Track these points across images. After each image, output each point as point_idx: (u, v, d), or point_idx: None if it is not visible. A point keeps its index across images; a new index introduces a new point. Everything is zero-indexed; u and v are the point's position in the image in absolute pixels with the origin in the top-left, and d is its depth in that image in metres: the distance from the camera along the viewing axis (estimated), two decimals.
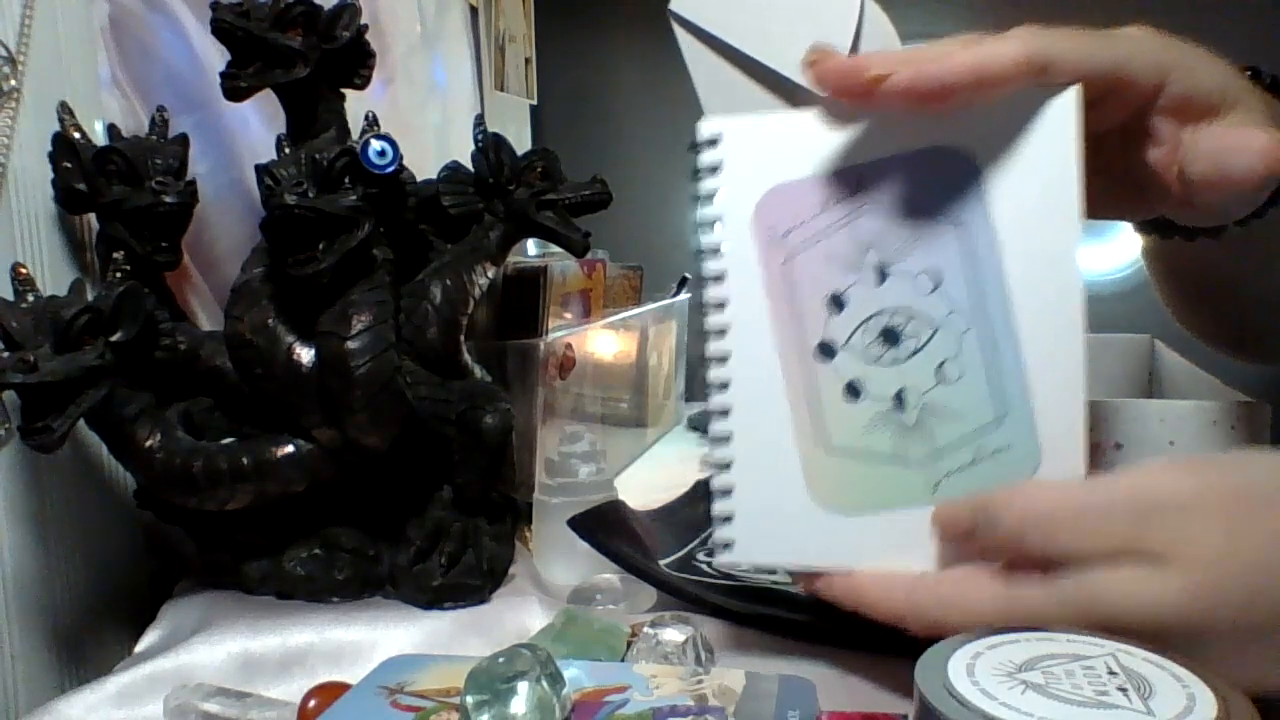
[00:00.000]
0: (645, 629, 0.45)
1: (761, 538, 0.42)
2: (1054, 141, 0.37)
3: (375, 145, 0.53)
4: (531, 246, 1.03)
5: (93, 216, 0.57)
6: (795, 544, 0.41)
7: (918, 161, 0.39)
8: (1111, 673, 0.29)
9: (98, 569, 0.58)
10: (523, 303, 0.76)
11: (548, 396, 0.76)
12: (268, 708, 0.44)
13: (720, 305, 0.43)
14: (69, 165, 0.55)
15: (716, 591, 0.56)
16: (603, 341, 0.93)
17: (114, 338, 0.49)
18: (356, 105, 0.60)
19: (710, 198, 0.43)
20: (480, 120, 0.62)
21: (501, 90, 1.24)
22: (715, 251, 0.43)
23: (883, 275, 0.40)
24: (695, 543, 0.66)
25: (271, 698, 0.46)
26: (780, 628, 0.51)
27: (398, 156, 0.54)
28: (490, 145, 0.60)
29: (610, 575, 0.57)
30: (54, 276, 0.56)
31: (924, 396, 0.40)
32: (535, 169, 0.60)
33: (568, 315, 0.86)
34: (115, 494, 0.60)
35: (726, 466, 0.43)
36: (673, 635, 0.44)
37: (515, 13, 1.30)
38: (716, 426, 0.43)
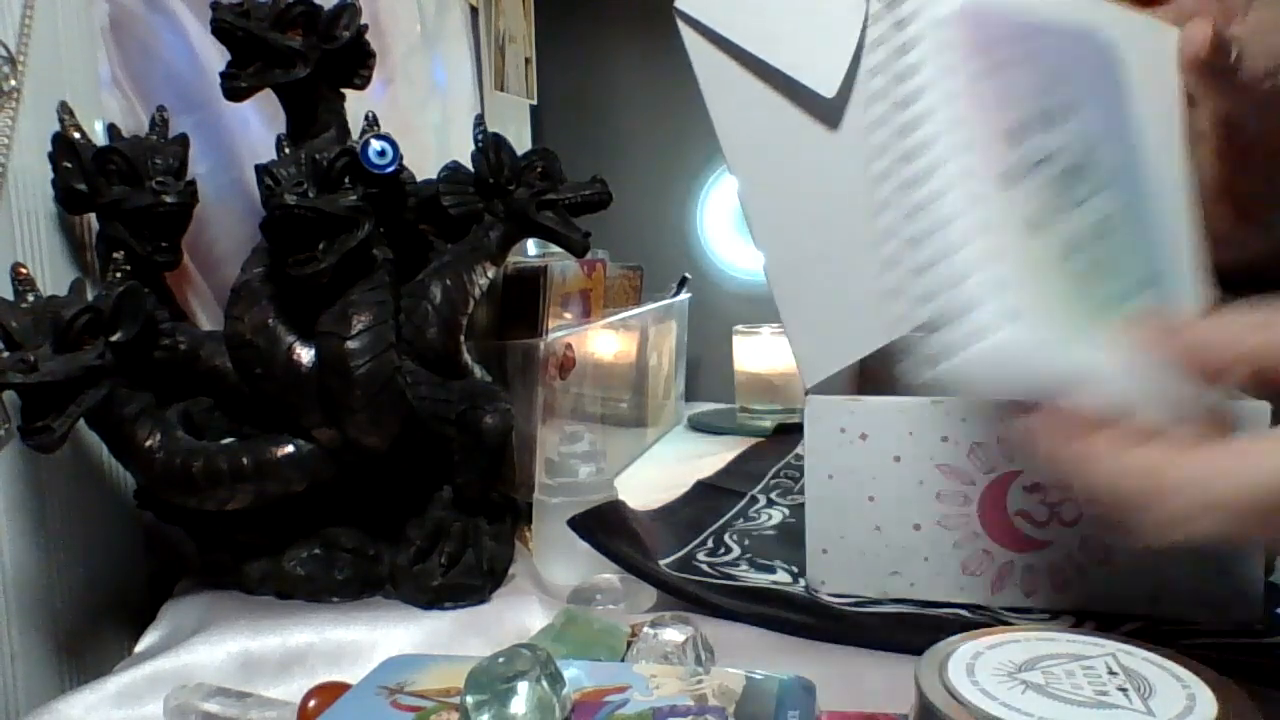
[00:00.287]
0: (645, 629, 0.45)
1: (974, 367, 0.38)
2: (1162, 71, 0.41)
3: (375, 145, 0.53)
4: (531, 246, 1.03)
5: (93, 216, 0.57)
6: (1020, 372, 0.38)
7: (1086, 37, 0.42)
8: (1111, 673, 0.29)
9: (98, 569, 0.58)
10: (523, 303, 0.76)
11: (548, 396, 0.76)
12: (268, 708, 0.44)
13: (915, 125, 0.41)
14: (69, 165, 0.55)
15: (716, 591, 0.56)
16: (603, 341, 0.93)
17: (114, 338, 0.49)
18: (356, 105, 0.60)
19: (908, 16, 0.42)
20: (480, 120, 0.62)
21: (501, 90, 1.24)
22: (912, 70, 0.41)
23: (1067, 113, 0.41)
24: (695, 543, 0.66)
25: (271, 698, 0.46)
26: (780, 628, 0.51)
27: (398, 156, 0.54)
28: (490, 145, 0.60)
29: (610, 575, 0.57)
30: (54, 276, 0.56)
31: (1086, 248, 0.40)
32: (535, 169, 0.60)
33: (568, 315, 0.86)
34: (115, 494, 0.60)
35: (934, 295, 0.40)
36: (673, 635, 0.44)
37: (515, 13, 1.30)
38: (923, 253, 0.40)
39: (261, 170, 0.51)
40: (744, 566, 0.61)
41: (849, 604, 0.54)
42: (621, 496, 0.66)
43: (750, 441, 1.01)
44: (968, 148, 0.40)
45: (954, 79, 0.41)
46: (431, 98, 1.02)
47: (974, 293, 0.39)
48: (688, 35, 0.52)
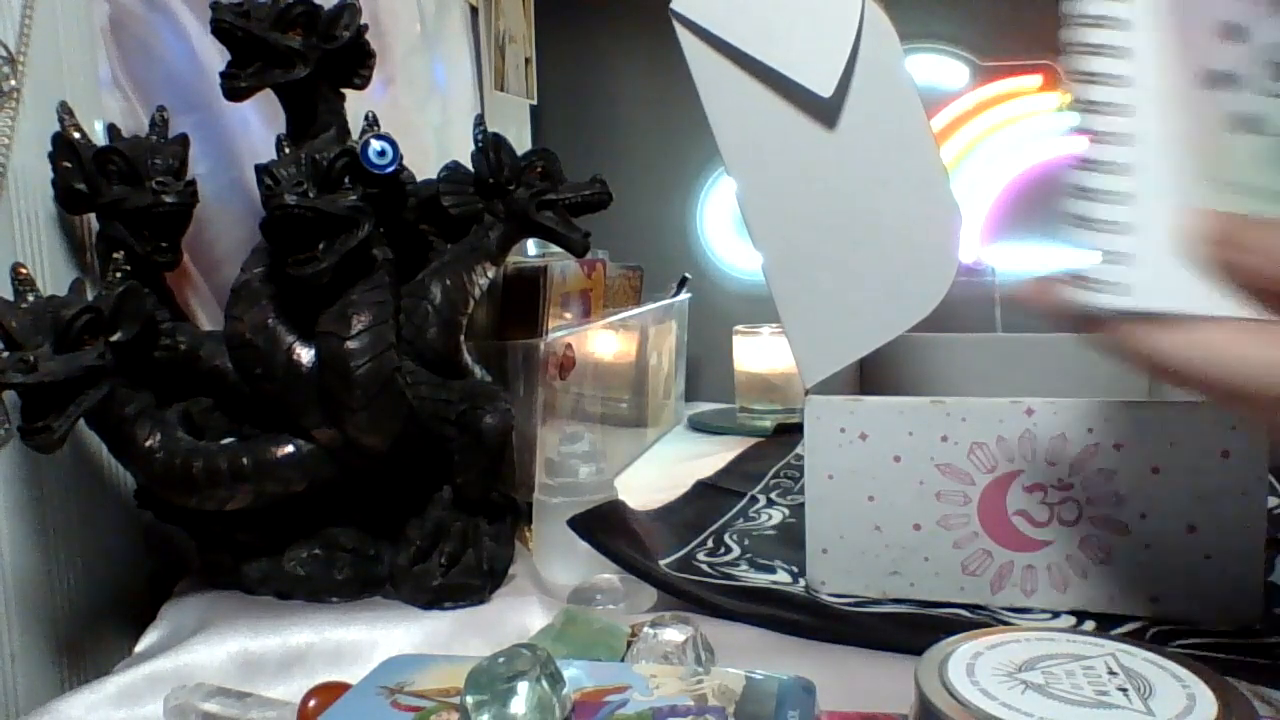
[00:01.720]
0: (645, 629, 0.45)
1: (1159, 281, 0.37)
2: None
3: (375, 145, 0.53)
4: (531, 246, 1.03)
5: (93, 216, 0.57)
6: (1186, 289, 0.36)
7: None
8: (1111, 673, 0.29)
9: (98, 569, 0.58)
10: (523, 303, 0.76)
11: (548, 396, 0.76)
12: (268, 708, 0.44)
13: (1106, 48, 0.38)
14: (69, 165, 0.55)
15: (716, 591, 0.56)
16: (603, 341, 0.93)
17: (114, 338, 0.49)
18: (356, 105, 0.60)
19: None
20: (480, 120, 0.62)
21: (501, 90, 1.24)
22: None
23: None
24: (695, 543, 0.66)
25: (271, 698, 0.46)
26: (780, 628, 0.51)
27: (398, 156, 0.54)
28: (490, 145, 0.61)
29: (610, 575, 0.57)
30: (54, 276, 0.56)
31: None
32: (535, 169, 0.60)
33: (568, 315, 0.86)
34: (115, 494, 0.60)
35: (1120, 197, 0.38)
36: (673, 635, 0.44)
37: (515, 13, 1.30)
38: (1105, 151, 0.38)
39: (261, 170, 0.51)
40: (744, 566, 0.61)
41: (849, 604, 0.54)
42: (621, 496, 0.66)
43: (750, 441, 1.01)
44: (1160, 52, 0.37)
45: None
46: (431, 98, 1.02)
47: (1133, 214, 0.37)
48: (683, 36, 0.52)
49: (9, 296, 0.47)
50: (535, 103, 1.37)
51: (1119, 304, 0.38)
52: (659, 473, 0.93)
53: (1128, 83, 0.38)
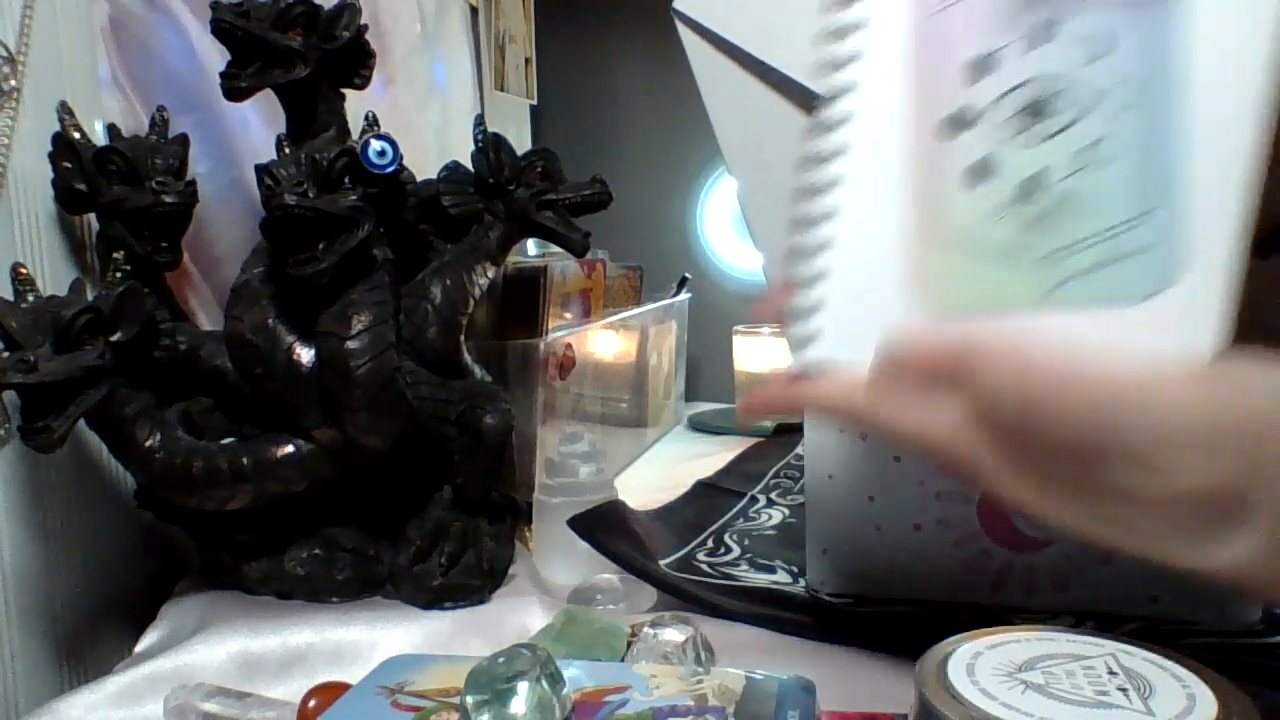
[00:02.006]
0: (645, 629, 0.45)
1: (851, 333, 0.37)
2: None
3: (375, 145, 0.53)
4: (531, 246, 1.03)
5: (93, 216, 0.57)
6: (869, 339, 0.37)
7: None
8: (1111, 673, 0.29)
9: (98, 569, 0.58)
10: (523, 303, 0.76)
11: (548, 396, 0.76)
12: (268, 708, 0.44)
13: (848, 89, 0.38)
14: (69, 165, 0.55)
15: (716, 591, 0.56)
16: (603, 341, 0.93)
17: (114, 338, 0.49)
18: (356, 105, 0.60)
19: None
20: (480, 120, 0.62)
21: (501, 90, 1.24)
22: (855, 28, 0.38)
23: (1044, 36, 0.35)
24: (695, 543, 0.66)
25: (271, 698, 0.46)
26: (780, 628, 0.51)
27: (398, 156, 0.54)
28: (490, 145, 0.60)
29: (610, 575, 0.57)
30: (54, 276, 0.56)
31: (1061, 183, 0.35)
32: (535, 169, 0.60)
33: (568, 315, 0.86)
34: (115, 494, 0.60)
35: (827, 245, 0.38)
36: (673, 635, 0.44)
37: (515, 13, 1.30)
38: (819, 202, 0.38)
39: (261, 170, 0.51)
40: (744, 566, 0.61)
41: (849, 604, 0.54)
42: (621, 496, 0.66)
43: (750, 441, 1.01)
44: (893, 104, 0.36)
45: (895, 25, 0.37)
46: (431, 98, 1.02)
47: (841, 262, 0.37)
48: (686, 36, 0.52)
49: (9, 296, 0.47)
50: (535, 103, 1.37)
51: (815, 353, 0.38)
52: (659, 473, 0.93)
53: (852, 149, 0.38)
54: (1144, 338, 0.33)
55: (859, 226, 0.37)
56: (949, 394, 0.33)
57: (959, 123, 0.36)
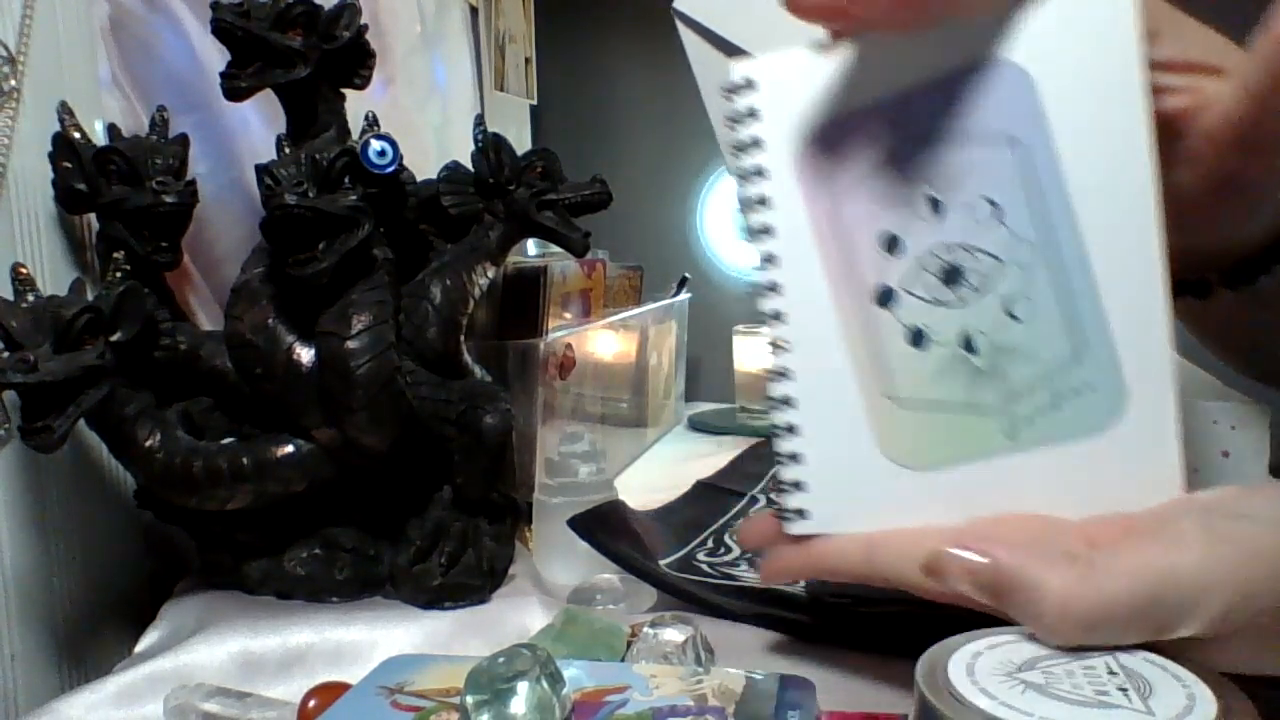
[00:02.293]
0: (645, 629, 0.45)
1: (837, 503, 0.40)
2: (1113, 39, 0.34)
3: (375, 145, 0.53)
4: (531, 246, 1.03)
5: (93, 216, 0.57)
6: (871, 507, 0.39)
7: (965, 80, 0.36)
8: (1111, 673, 0.29)
9: (98, 569, 0.58)
10: (523, 303, 0.76)
11: (548, 396, 0.76)
12: (268, 708, 0.44)
13: (769, 260, 0.39)
14: (69, 165, 0.55)
15: (716, 591, 0.56)
16: (603, 341, 0.93)
17: (114, 338, 0.49)
18: (356, 105, 0.60)
19: (749, 146, 0.39)
20: (480, 120, 0.62)
21: (501, 90, 1.24)
22: (760, 203, 0.39)
23: (938, 208, 0.37)
24: (695, 543, 0.66)
25: (271, 698, 0.46)
26: (780, 628, 0.51)
27: (398, 156, 0.54)
28: (490, 145, 0.61)
29: (610, 575, 0.57)
30: (54, 276, 0.56)
31: (993, 337, 0.37)
32: (535, 169, 0.60)
33: (568, 315, 0.86)
34: (115, 494, 0.60)
35: (792, 430, 0.40)
36: (673, 635, 0.44)
37: (515, 13, 1.30)
38: (777, 389, 0.40)
39: (261, 170, 0.51)
40: (744, 566, 0.61)
41: (849, 604, 0.54)
42: (621, 496, 0.66)
43: (750, 441, 1.01)
44: (820, 283, 0.39)
45: (800, 218, 0.39)
46: (431, 98, 1.02)
47: (811, 440, 0.40)
48: (686, 36, 0.52)
49: (9, 296, 0.47)
50: (535, 103, 1.37)
51: (801, 530, 0.40)
52: (659, 473, 0.93)
53: (790, 318, 0.40)
54: (1111, 466, 0.35)
55: (818, 403, 0.40)
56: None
57: (885, 296, 0.38)
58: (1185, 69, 0.36)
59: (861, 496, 0.39)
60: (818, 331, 0.39)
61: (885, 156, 0.38)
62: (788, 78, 0.39)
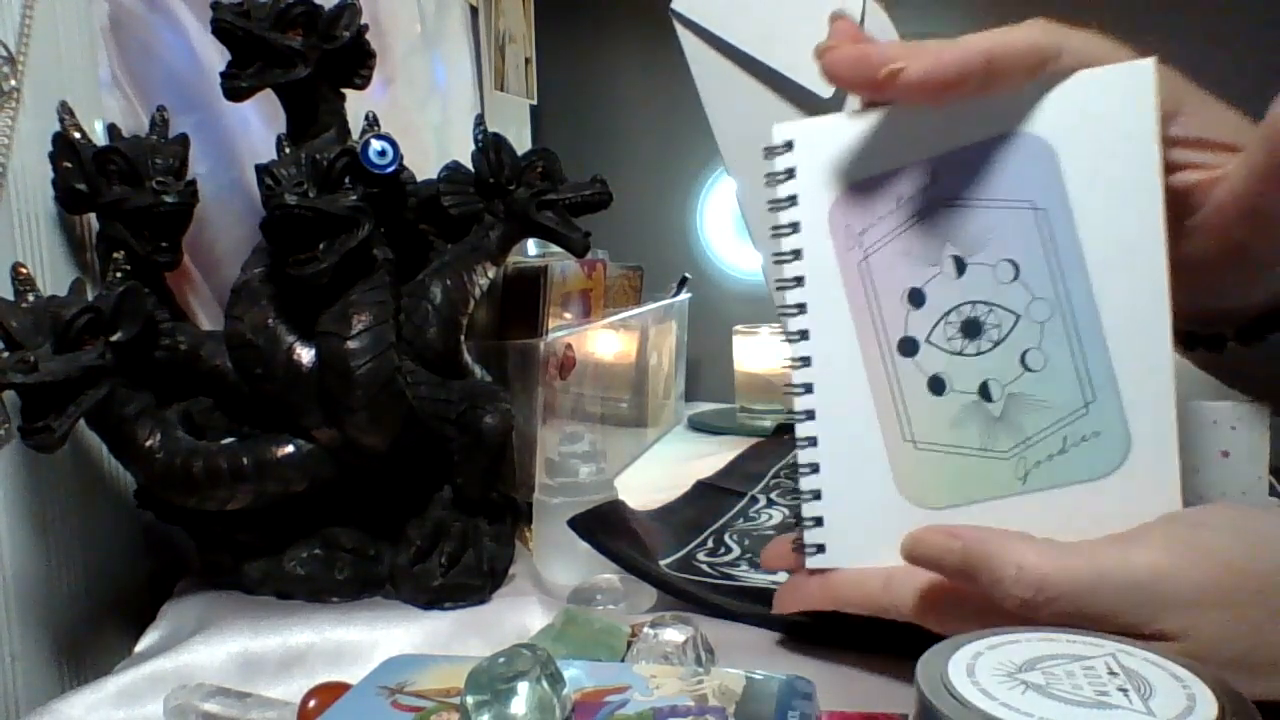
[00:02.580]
0: (645, 629, 0.45)
1: (853, 539, 0.42)
2: (1132, 118, 0.37)
3: (375, 145, 0.53)
4: (531, 246, 1.03)
5: (93, 216, 0.57)
6: (887, 543, 0.41)
7: (992, 149, 0.39)
8: (1111, 673, 0.29)
9: (98, 569, 0.58)
10: (523, 303, 0.76)
11: (548, 396, 0.76)
12: (268, 708, 0.44)
13: (800, 308, 0.42)
14: (69, 165, 0.55)
15: (716, 591, 0.56)
16: (603, 341, 0.93)
17: (114, 338, 0.49)
18: (356, 105, 0.60)
19: (786, 202, 0.43)
20: (480, 120, 0.62)
21: (501, 90, 1.24)
22: (794, 255, 0.42)
23: (961, 267, 0.40)
24: (695, 543, 0.66)
25: (271, 698, 0.46)
26: (780, 628, 0.51)
27: (398, 156, 0.54)
28: (490, 145, 0.61)
29: (610, 575, 0.57)
30: (54, 276, 0.56)
31: (1009, 387, 0.40)
32: (535, 169, 0.60)
33: (568, 315, 0.86)
34: (115, 494, 0.60)
35: (814, 469, 0.43)
36: (673, 635, 0.44)
37: (515, 13, 1.30)
38: (802, 429, 0.43)
39: (261, 170, 0.51)
40: (744, 566, 0.61)
41: None
42: (621, 496, 0.66)
43: (750, 441, 1.01)
44: (846, 332, 0.42)
45: (831, 270, 0.42)
46: (431, 98, 1.02)
47: (831, 479, 0.42)
48: (684, 36, 0.52)
49: (9, 296, 0.47)
50: (535, 103, 1.37)
51: (818, 564, 0.43)
52: (659, 473, 0.93)
53: (816, 363, 0.42)
54: (1115, 507, 0.38)
55: (840, 443, 0.42)
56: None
57: (909, 347, 0.41)
58: (1203, 146, 0.39)
59: (879, 533, 0.41)
60: (843, 377, 0.42)
61: (913, 217, 0.41)
62: (824, 140, 0.42)
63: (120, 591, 0.60)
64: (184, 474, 0.53)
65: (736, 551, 0.64)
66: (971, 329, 0.40)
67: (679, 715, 0.35)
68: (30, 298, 0.47)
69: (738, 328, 1.15)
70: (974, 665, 0.30)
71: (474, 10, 1.16)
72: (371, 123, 0.58)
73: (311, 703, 0.42)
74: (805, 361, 0.42)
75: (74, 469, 0.56)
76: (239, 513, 0.55)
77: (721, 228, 1.36)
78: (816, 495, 0.42)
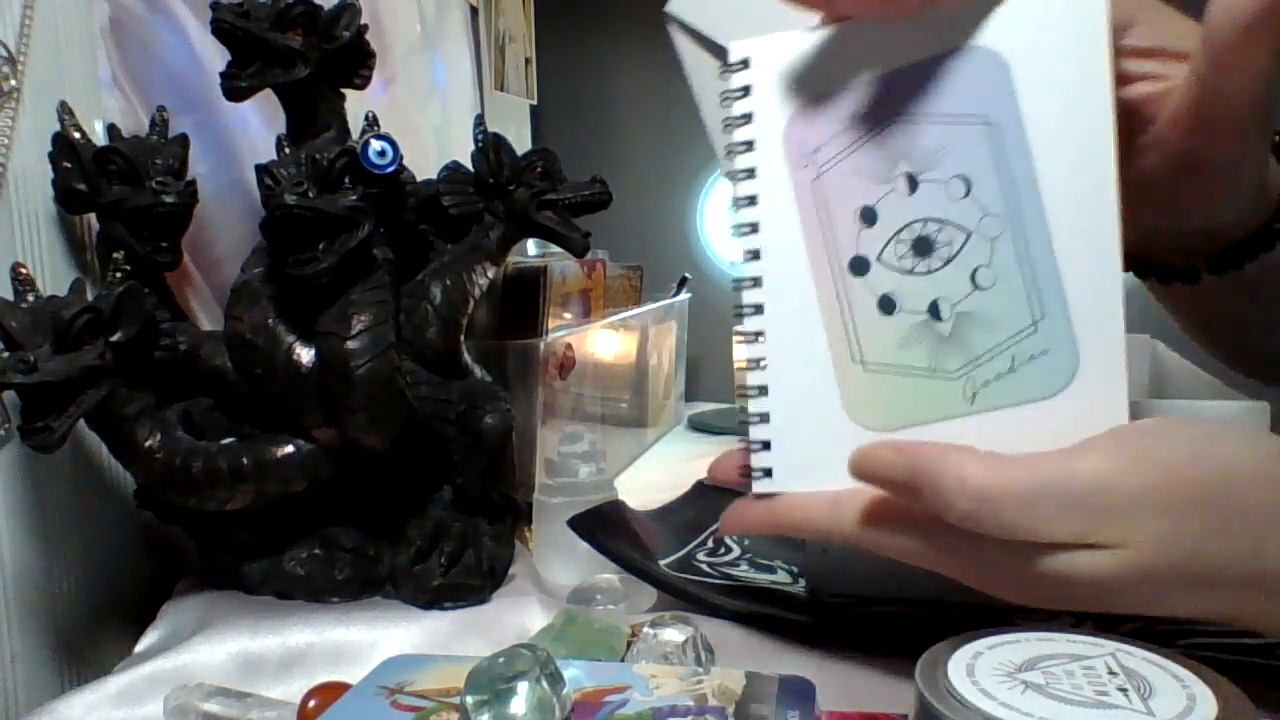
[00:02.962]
0: (645, 629, 0.45)
1: (801, 462, 0.42)
2: (1084, 28, 0.37)
3: (375, 145, 0.53)
4: (531, 246, 1.03)
5: (93, 216, 0.57)
6: (835, 467, 0.40)
7: (945, 64, 0.39)
8: (1111, 673, 0.29)
9: (98, 569, 0.58)
10: (523, 303, 0.76)
11: (548, 396, 0.76)
12: (268, 708, 0.44)
13: (752, 228, 0.42)
14: (69, 165, 0.55)
15: (716, 591, 0.56)
16: (603, 341, 0.93)
17: (114, 338, 0.49)
18: (356, 105, 0.60)
19: (741, 120, 0.42)
20: (480, 120, 0.62)
21: (501, 90, 1.25)
22: (747, 174, 0.42)
23: (914, 184, 0.39)
24: (695, 543, 0.66)
25: (271, 698, 0.46)
26: (780, 628, 0.51)
27: (398, 156, 0.54)
28: (490, 145, 0.61)
29: (610, 575, 0.57)
30: (54, 276, 0.56)
31: (958, 305, 0.39)
32: (535, 169, 0.60)
33: (568, 315, 0.86)
34: (115, 494, 0.60)
35: (763, 391, 0.42)
36: (673, 635, 0.44)
37: (515, 13, 1.30)
38: (750, 351, 0.42)
39: (261, 170, 0.51)
40: (744, 566, 0.61)
41: (849, 604, 0.54)
42: (621, 496, 0.66)
43: None
44: (798, 252, 0.41)
45: (784, 189, 0.41)
46: (431, 98, 1.02)
47: (779, 401, 0.42)
48: (678, 39, 0.52)
49: (9, 296, 0.47)
50: (535, 103, 1.37)
51: (765, 488, 0.42)
52: (659, 473, 0.93)
53: (767, 284, 0.42)
54: (1064, 426, 0.37)
55: (789, 365, 0.42)
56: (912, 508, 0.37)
57: (860, 266, 0.41)
58: (1157, 56, 0.38)
59: (827, 457, 0.40)
60: (793, 298, 0.41)
61: (866, 134, 0.40)
62: (780, 57, 0.42)
63: (120, 591, 0.60)
64: (184, 474, 0.53)
65: (736, 551, 0.64)
66: (922, 247, 0.39)
67: (679, 715, 0.35)
68: (30, 298, 0.47)
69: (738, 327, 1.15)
70: (974, 665, 0.30)
71: (474, 10, 1.16)
72: (371, 123, 0.58)
73: (311, 703, 0.42)
74: (756, 282, 0.42)
75: (74, 469, 0.56)
76: (239, 513, 0.55)
77: (721, 228, 1.36)
78: (764, 418, 0.42)
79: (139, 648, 0.53)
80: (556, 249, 0.65)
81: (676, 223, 1.38)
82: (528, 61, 1.35)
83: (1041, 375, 0.38)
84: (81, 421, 0.48)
